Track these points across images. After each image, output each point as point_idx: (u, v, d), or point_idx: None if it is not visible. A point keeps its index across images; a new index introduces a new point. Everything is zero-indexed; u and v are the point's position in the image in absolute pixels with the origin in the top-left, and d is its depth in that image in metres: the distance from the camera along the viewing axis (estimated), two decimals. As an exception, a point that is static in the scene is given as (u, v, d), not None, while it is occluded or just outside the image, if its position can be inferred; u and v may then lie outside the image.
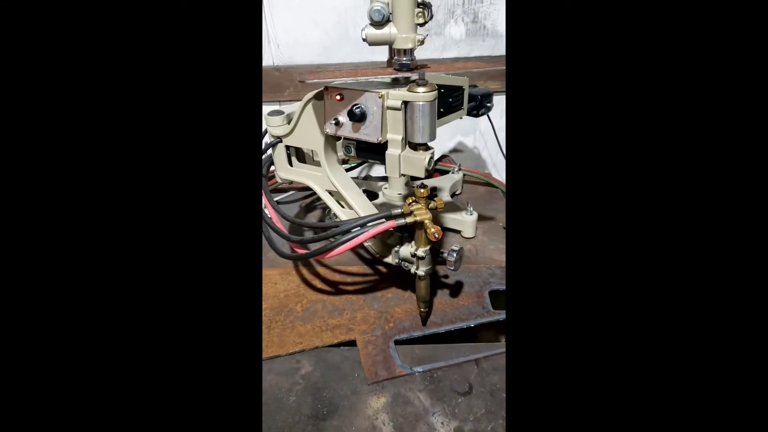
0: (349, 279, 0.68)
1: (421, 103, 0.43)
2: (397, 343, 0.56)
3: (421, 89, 0.43)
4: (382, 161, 0.48)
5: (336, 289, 0.66)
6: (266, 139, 0.59)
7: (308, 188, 0.94)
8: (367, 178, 1.02)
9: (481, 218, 0.79)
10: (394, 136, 0.46)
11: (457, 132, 1.12)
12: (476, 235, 0.77)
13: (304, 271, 0.69)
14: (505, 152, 1.01)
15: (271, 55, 1.00)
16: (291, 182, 0.61)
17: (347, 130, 0.47)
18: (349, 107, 0.45)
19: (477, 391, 0.49)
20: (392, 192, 0.78)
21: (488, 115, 0.81)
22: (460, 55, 1.01)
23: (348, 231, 0.49)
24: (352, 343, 0.56)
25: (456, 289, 0.65)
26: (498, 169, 1.15)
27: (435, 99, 0.44)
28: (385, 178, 0.86)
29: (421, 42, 0.45)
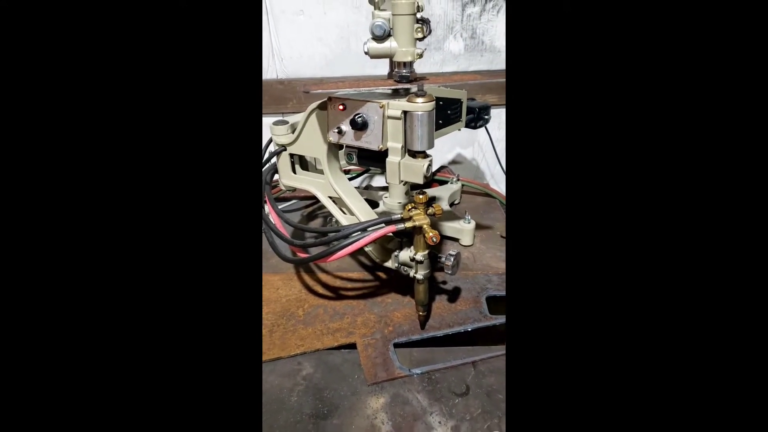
0: (349, 285, 0.69)
1: (419, 112, 0.45)
2: (396, 346, 0.57)
3: (420, 100, 0.45)
4: (383, 168, 0.51)
5: (337, 294, 0.67)
6: (271, 148, 0.61)
7: (310, 197, 0.96)
8: (368, 187, 1.04)
9: (478, 227, 0.81)
10: (394, 144, 0.48)
11: (455, 144, 1.14)
12: (474, 243, 0.79)
13: (306, 277, 0.71)
14: (502, 164, 1.03)
15: (275, 69, 1.03)
16: (294, 189, 0.63)
17: (349, 138, 0.50)
18: (351, 116, 0.48)
19: (474, 392, 0.51)
20: (392, 201, 0.80)
21: (486, 128, 0.83)
22: (458, 70, 1.04)
23: (349, 235, 0.51)
24: (352, 346, 0.57)
25: (454, 295, 0.66)
26: (496, 181, 1.17)
27: (433, 109, 0.46)
28: (385, 188, 0.88)
29: (420, 55, 0.47)
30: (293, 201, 0.95)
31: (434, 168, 1.05)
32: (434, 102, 0.46)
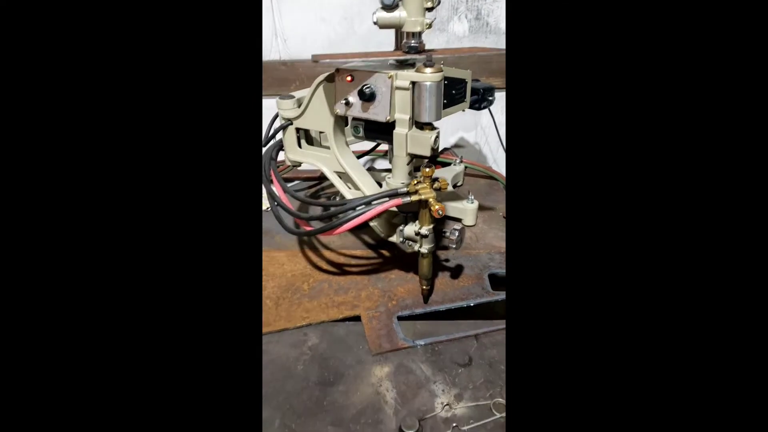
0: (353, 261, 0.70)
1: (428, 83, 0.45)
2: (400, 319, 0.58)
3: (428, 70, 0.45)
4: (390, 141, 0.51)
5: (341, 270, 0.68)
6: (277, 123, 0.61)
7: (314, 178, 0.96)
8: (371, 169, 1.04)
9: (481, 208, 0.81)
10: (402, 116, 0.48)
11: (458, 127, 1.14)
12: (477, 224, 0.79)
13: (311, 254, 0.71)
14: (505, 145, 1.04)
15: (278, 50, 1.02)
16: (299, 164, 0.63)
17: (357, 110, 0.50)
18: (359, 87, 0.48)
19: (476, 362, 0.51)
20: (396, 181, 0.80)
21: (490, 110, 0.83)
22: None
23: (354, 208, 0.52)
24: (356, 319, 0.58)
25: (456, 272, 0.67)
26: (498, 165, 1.18)
27: (442, 80, 0.46)
28: (389, 170, 0.88)
29: (429, 25, 0.47)
30: (296, 182, 0.95)
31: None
32: (443, 73, 0.46)
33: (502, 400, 0.46)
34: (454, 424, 0.44)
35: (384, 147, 0.94)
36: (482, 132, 1.14)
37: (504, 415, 0.45)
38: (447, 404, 0.46)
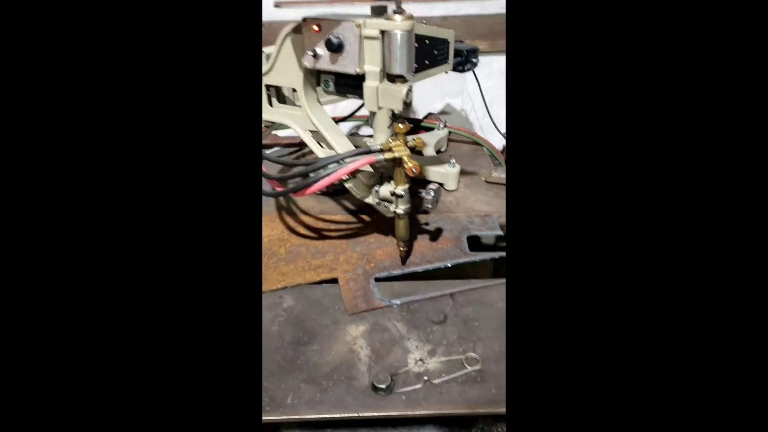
0: (332, 226, 0.69)
1: (398, 31, 0.43)
2: (378, 280, 0.58)
3: (398, 17, 0.43)
4: (361, 96, 0.49)
5: (319, 234, 0.67)
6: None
7: (294, 144, 0.94)
8: (354, 134, 1.02)
9: (463, 173, 0.80)
10: (372, 68, 0.46)
11: (444, 93, 1.12)
12: (458, 188, 0.78)
13: (288, 219, 0.70)
14: (491, 113, 1.01)
15: (256, 11, 0.98)
16: (272, 124, 0.61)
17: (325, 62, 0.48)
18: (326, 37, 0.46)
19: (451, 320, 0.51)
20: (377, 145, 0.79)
21: (475, 74, 0.81)
22: (448, 14, 1.00)
23: (326, 166, 0.50)
24: (334, 281, 0.58)
25: (435, 235, 0.66)
26: (485, 131, 1.16)
27: (412, 28, 0.44)
28: (371, 135, 0.86)
29: (399, -32, 0.45)
30: (276, 148, 0.93)
31: (421, 115, 1.03)
32: (413, 21, 0.44)
33: (475, 355, 0.47)
34: (426, 378, 0.44)
35: (366, 112, 0.91)
36: (468, 98, 1.12)
37: (476, 368, 0.45)
38: (420, 359, 0.46)
